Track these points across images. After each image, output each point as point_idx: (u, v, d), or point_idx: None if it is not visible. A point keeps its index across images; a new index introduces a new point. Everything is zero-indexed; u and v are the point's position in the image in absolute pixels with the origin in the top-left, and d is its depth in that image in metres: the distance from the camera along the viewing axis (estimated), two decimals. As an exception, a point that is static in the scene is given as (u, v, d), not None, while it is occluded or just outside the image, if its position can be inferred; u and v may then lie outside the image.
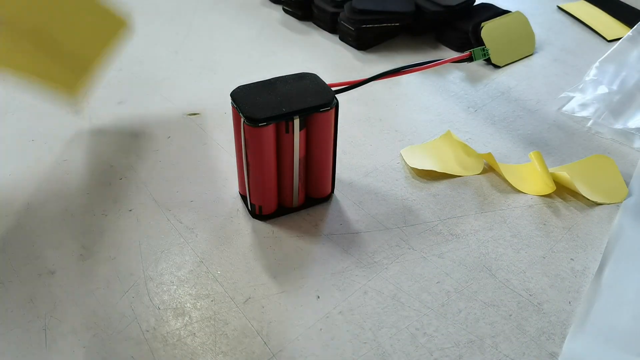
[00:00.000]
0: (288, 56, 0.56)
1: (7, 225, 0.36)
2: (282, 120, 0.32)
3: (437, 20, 0.57)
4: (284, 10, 0.63)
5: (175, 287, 0.32)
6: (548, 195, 0.40)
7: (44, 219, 0.36)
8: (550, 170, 0.40)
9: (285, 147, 0.34)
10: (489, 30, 0.54)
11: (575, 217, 0.38)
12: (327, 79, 0.36)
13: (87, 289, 0.32)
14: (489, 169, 0.42)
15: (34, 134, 0.44)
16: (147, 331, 0.30)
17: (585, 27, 0.63)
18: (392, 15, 0.55)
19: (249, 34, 0.60)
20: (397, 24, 0.56)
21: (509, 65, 0.56)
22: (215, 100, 0.48)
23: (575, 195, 0.40)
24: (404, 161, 0.42)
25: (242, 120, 0.32)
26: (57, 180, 0.39)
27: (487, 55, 0.42)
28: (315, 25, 0.61)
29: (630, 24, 0.62)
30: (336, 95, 0.34)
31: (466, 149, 0.43)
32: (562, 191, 0.40)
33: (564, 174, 0.39)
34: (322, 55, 0.56)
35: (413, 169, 0.42)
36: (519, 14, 0.58)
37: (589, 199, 0.39)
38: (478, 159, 0.42)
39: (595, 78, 0.52)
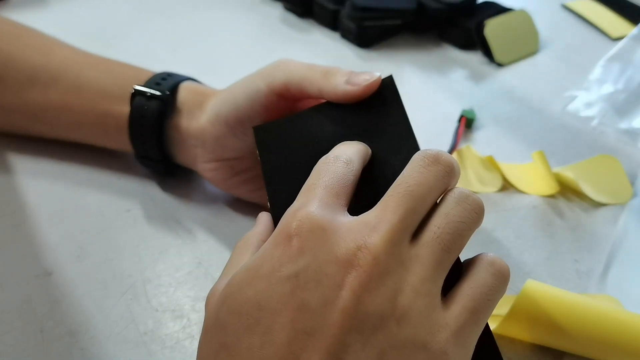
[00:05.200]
0: (288, 54, 0.55)
1: (3, 226, 0.35)
2: None
3: (440, 18, 0.56)
4: (284, 7, 0.63)
5: (173, 288, 0.32)
6: (552, 196, 0.39)
7: (41, 220, 0.36)
8: (555, 170, 0.40)
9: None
10: (493, 28, 0.54)
11: (579, 217, 0.38)
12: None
13: (84, 291, 0.32)
14: (507, 184, 0.40)
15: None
16: (145, 333, 0.29)
17: (589, 25, 0.63)
18: (394, 12, 0.55)
19: (249, 32, 0.59)
20: (399, 21, 0.56)
21: (513, 64, 0.55)
22: (215, 99, 0.48)
23: (580, 195, 0.39)
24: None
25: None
26: (54, 180, 0.39)
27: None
28: (316, 23, 0.61)
29: (635, 21, 0.61)
30: None
31: (485, 164, 0.41)
32: (566, 191, 0.39)
33: (568, 173, 0.39)
34: (323, 53, 0.56)
35: None
36: (522, 11, 0.57)
37: (593, 200, 0.39)
38: (497, 174, 0.40)
39: (600, 77, 0.51)
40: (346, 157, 0.24)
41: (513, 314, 0.28)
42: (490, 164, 0.41)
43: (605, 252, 0.35)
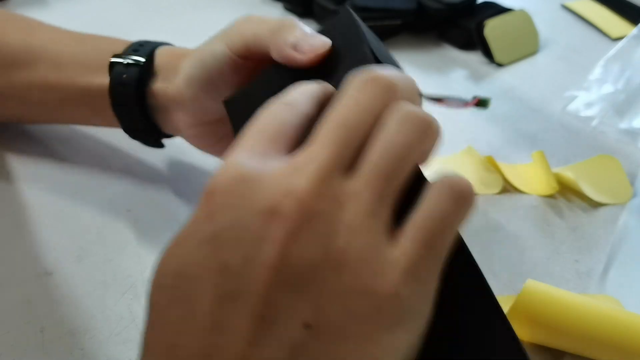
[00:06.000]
0: (289, 54, 0.55)
1: (4, 226, 0.35)
2: None
3: (440, 18, 0.56)
4: (284, 7, 0.63)
5: (173, 288, 0.32)
6: (552, 196, 0.39)
7: (41, 220, 0.36)
8: (555, 170, 0.40)
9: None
10: (492, 28, 0.54)
11: (579, 217, 0.38)
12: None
13: (84, 291, 0.32)
14: (508, 185, 0.40)
15: (31, 134, 0.43)
16: (145, 333, 0.30)
17: (589, 25, 0.63)
18: (394, 12, 0.55)
19: (250, 32, 0.59)
20: (399, 21, 0.56)
21: (513, 64, 0.55)
22: (215, 99, 0.48)
23: (580, 195, 0.39)
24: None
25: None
26: (54, 180, 0.39)
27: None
28: (316, 23, 0.61)
29: (635, 21, 0.61)
30: None
31: (485, 165, 0.41)
32: (566, 191, 0.40)
33: (568, 173, 0.39)
34: (323, 53, 0.56)
35: None
36: (522, 11, 0.57)
37: (593, 200, 0.39)
38: (498, 175, 0.40)
39: (600, 77, 0.51)
40: (289, 98, 0.21)
41: (513, 314, 0.28)
42: (490, 164, 0.41)
43: (605, 252, 0.35)
